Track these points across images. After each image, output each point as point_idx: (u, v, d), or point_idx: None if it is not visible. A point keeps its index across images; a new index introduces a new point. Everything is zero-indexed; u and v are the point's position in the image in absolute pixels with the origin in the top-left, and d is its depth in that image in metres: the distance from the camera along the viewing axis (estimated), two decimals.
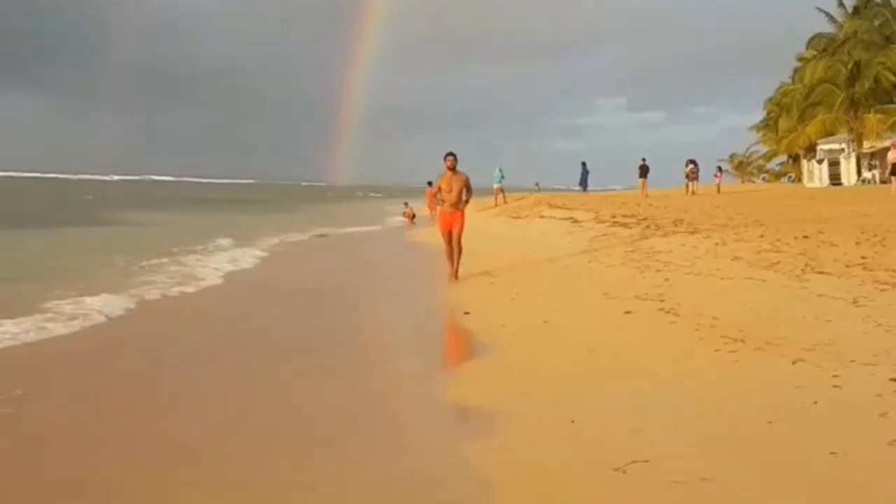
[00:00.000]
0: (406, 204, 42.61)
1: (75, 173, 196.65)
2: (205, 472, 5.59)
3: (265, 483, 5.33)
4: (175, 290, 14.46)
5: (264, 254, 22.61)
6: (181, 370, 8.90)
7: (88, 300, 12.33)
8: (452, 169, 15.45)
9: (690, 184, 44.34)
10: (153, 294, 13.81)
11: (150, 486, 5.34)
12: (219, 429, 6.63)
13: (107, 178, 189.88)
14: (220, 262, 19.38)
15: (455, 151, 15.49)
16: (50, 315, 11.17)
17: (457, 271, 15.33)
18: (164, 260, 19.24)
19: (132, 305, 12.56)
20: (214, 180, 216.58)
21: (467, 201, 15.66)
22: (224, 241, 24.70)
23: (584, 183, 46.78)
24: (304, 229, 33.01)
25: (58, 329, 10.46)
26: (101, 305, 11.99)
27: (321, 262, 22.00)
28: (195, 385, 8.17)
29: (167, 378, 8.54)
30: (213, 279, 16.46)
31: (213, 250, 22.56)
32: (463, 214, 15.62)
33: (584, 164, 47.50)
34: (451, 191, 15.47)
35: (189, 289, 14.87)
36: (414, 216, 40.30)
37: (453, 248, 15.48)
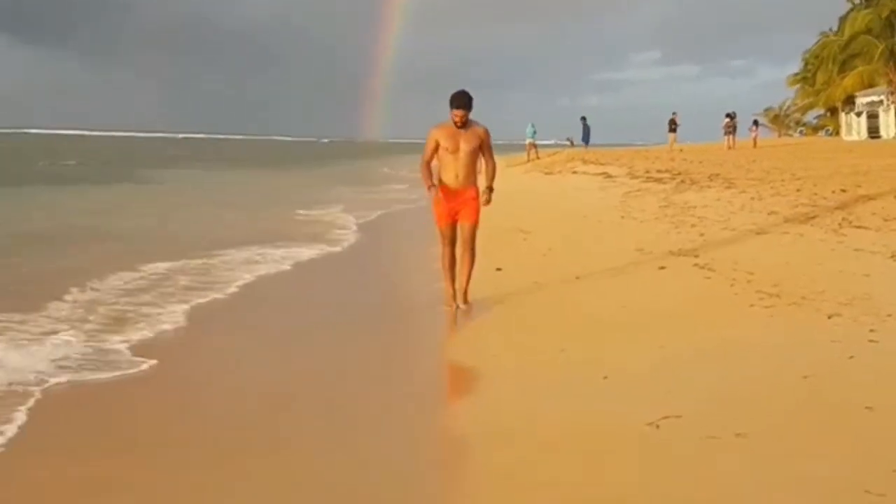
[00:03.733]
0: None
1: (106, 130, 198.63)
2: None
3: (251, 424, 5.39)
4: None
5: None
6: None
7: None
8: (462, 124, 8.95)
9: (728, 137, 43.81)
10: None
11: None
12: None
13: (141, 134, 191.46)
14: None
15: (470, 94, 8.99)
16: None
17: (465, 290, 9.24)
18: None
19: None
20: (251, 137, 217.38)
21: (491, 180, 9.16)
22: None
23: (586, 139, 46.34)
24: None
25: None
26: None
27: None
28: None
29: None
30: None
31: None
32: (477, 196, 9.17)
33: (583, 119, 47.01)
34: (455, 150, 8.99)
35: None
36: None
37: (456, 252, 9.23)
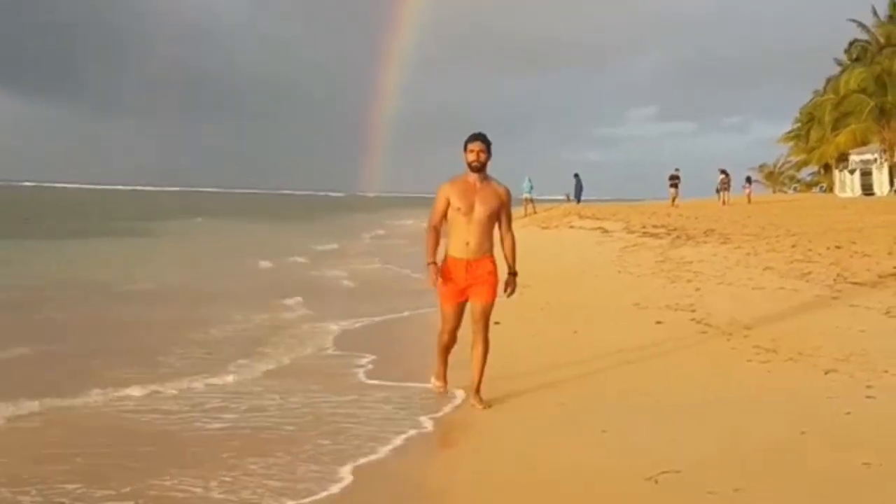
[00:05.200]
0: None
1: (100, 183, 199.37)
2: None
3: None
4: None
5: None
6: None
7: None
8: (479, 169, 7.19)
9: (723, 194, 44.11)
10: None
11: None
12: None
13: (146, 188, 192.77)
14: None
15: (487, 137, 7.26)
16: None
17: (479, 384, 7.33)
18: None
19: None
20: (248, 191, 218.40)
21: (513, 259, 7.41)
22: None
23: (578, 195, 46.66)
24: None
25: None
26: None
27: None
28: None
29: None
30: None
31: None
32: (494, 271, 7.21)
33: (576, 175, 47.41)
34: (469, 212, 7.15)
35: None
36: None
37: (457, 336, 7.50)
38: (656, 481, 5.04)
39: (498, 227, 7.31)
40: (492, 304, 7.28)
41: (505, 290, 7.30)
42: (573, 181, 47.21)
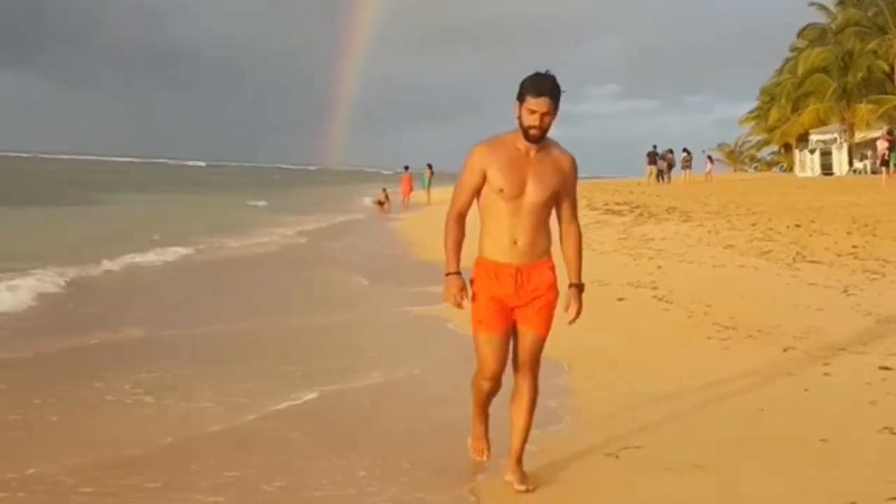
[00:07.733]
0: (384, 190, 41.35)
1: (52, 153, 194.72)
2: None
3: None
4: None
5: None
6: None
7: None
8: (538, 138, 4.55)
9: (685, 172, 44.57)
10: None
11: None
12: None
13: (112, 158, 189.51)
14: None
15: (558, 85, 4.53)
16: None
17: (520, 453, 4.80)
18: None
19: None
20: (211, 162, 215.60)
21: (578, 267, 4.92)
22: None
23: None
24: None
25: None
26: None
27: None
28: None
29: None
30: None
31: None
32: (554, 281, 4.83)
33: None
34: (518, 195, 4.61)
35: None
36: (385, 200, 39.10)
37: (502, 380, 4.96)
38: (617, 456, 5.09)
39: (557, 216, 4.88)
40: (546, 337, 4.94)
41: (566, 311, 4.91)
42: None
